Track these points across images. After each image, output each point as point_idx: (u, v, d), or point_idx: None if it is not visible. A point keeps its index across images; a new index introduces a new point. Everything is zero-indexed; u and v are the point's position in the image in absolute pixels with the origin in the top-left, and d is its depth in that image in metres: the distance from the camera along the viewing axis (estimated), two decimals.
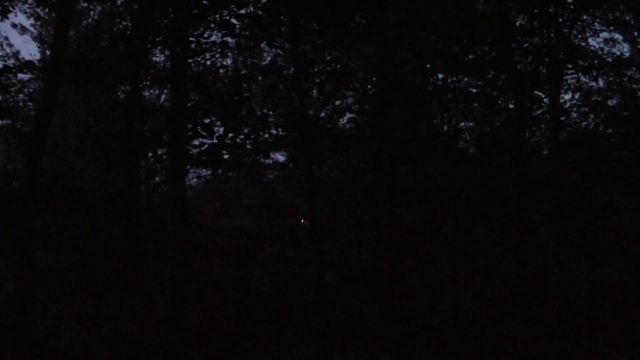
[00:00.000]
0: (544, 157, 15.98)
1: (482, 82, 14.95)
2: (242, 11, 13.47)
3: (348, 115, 16.15)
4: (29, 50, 34.37)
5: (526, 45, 14.43)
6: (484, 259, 14.30)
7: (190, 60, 13.93)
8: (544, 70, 15.14)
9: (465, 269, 14.06)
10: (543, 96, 15.95)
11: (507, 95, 15.41)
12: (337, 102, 16.64)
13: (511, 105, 16.00)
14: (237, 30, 13.51)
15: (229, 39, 14.03)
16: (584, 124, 16.96)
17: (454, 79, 14.97)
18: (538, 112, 16.14)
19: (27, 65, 13.23)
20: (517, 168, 14.16)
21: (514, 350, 12.89)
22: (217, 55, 14.36)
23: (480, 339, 13.03)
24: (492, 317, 13.73)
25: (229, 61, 15.95)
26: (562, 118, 16.40)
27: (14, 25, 20.79)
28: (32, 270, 11.42)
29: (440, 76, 15.20)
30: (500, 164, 14.84)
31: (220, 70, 14.61)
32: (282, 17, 13.22)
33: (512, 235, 14.23)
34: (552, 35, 15.24)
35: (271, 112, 14.49)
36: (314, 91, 14.63)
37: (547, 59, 14.88)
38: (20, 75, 13.97)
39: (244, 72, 16.19)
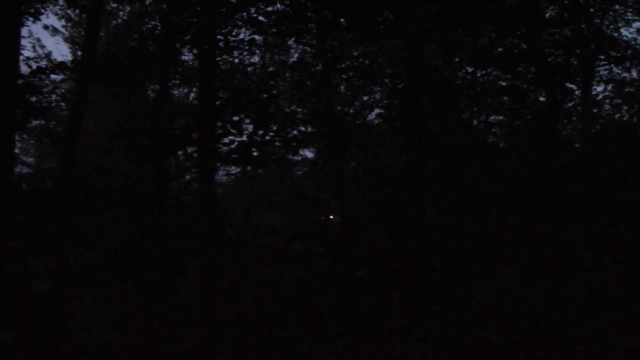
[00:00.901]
0: (576, 150, 15.73)
1: (511, 75, 14.76)
2: (270, 8, 13.51)
3: (376, 111, 16.09)
4: (61, 51, 34.89)
5: (556, 36, 14.20)
6: (515, 254, 14.14)
7: (218, 59, 14.01)
8: (575, 62, 14.90)
9: (496, 264, 13.92)
10: (574, 88, 15.70)
11: (537, 88, 15.18)
12: (365, 98, 16.59)
13: (542, 98, 15.77)
14: (265, 28, 13.54)
15: (257, 37, 14.08)
16: (616, 116, 16.65)
17: (483, 72, 14.80)
18: (569, 104, 15.88)
19: (60, 67, 13.45)
20: (548, 162, 13.96)
21: (546, 346, 12.74)
22: (245, 53, 14.42)
23: (512, 334, 12.91)
24: (524, 312, 13.58)
25: (256, 59, 16.02)
26: (594, 110, 16.12)
27: (46, 27, 21.15)
28: (67, 268, 11.63)
29: (468, 70, 15.03)
30: (531, 158, 14.64)
31: (248, 68, 14.68)
32: (309, 14, 13.21)
33: (543, 230, 14.05)
34: (583, 26, 14.98)
35: (299, 109, 14.50)
36: (342, 87, 14.60)
37: (578, 51, 14.63)
38: (52, 76, 14.21)
39: (271, 69, 16.25)
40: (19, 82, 12.94)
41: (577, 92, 15.87)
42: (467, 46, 14.07)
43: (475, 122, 15.24)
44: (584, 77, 15.24)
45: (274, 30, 13.59)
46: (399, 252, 13.84)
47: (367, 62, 13.91)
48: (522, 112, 15.27)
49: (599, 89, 17.83)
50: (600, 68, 16.46)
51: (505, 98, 15.28)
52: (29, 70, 13.99)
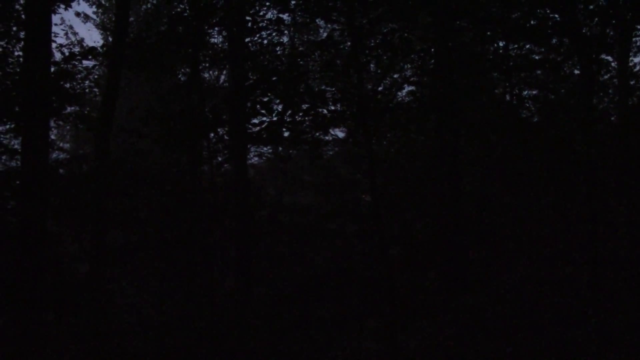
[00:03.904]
0: (613, 123, 15.40)
1: (545, 48, 14.46)
2: None
3: (407, 88, 15.94)
4: (93, 37, 35.31)
5: (591, 7, 13.84)
6: (550, 230, 13.97)
7: (247, 40, 14.03)
8: (610, 33, 14.51)
9: (531, 240, 13.77)
10: (610, 60, 15.34)
11: (571, 60, 14.85)
12: (395, 75, 16.44)
13: (576, 71, 15.44)
14: (292, 7, 13.48)
15: (285, 16, 14.03)
16: None
17: (516, 46, 14.53)
18: (605, 76, 15.54)
19: (91, 52, 13.63)
20: (584, 136, 13.70)
21: (583, 323, 12.60)
22: (274, 33, 14.39)
23: (547, 311, 12.79)
24: (559, 289, 13.44)
25: (285, 39, 15.98)
26: (631, 82, 15.73)
27: (78, 14, 21.44)
28: (104, 250, 11.88)
29: (501, 44, 14.78)
30: (566, 132, 14.38)
31: (277, 48, 14.65)
32: None
33: (580, 205, 13.83)
34: None
35: (329, 88, 14.43)
36: (371, 65, 14.47)
37: (613, 21, 14.24)
38: (85, 63, 14.41)
39: (300, 48, 16.19)
40: (53, 69, 13.18)
41: (613, 64, 15.50)
42: (499, 19, 13.80)
43: (508, 97, 15.01)
44: (621, 48, 14.85)
45: (302, 9, 13.53)
46: (432, 229, 13.78)
47: (396, 38, 13.74)
48: (556, 86, 14.99)
49: (636, 60, 17.36)
50: (637, 38, 16.03)
51: (539, 72, 15.00)
52: (63, 57, 14.23)
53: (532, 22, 13.97)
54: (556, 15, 13.83)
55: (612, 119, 15.63)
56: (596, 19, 13.90)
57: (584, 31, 14.05)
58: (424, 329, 13.14)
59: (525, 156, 14.05)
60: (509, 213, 14.05)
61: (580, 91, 14.31)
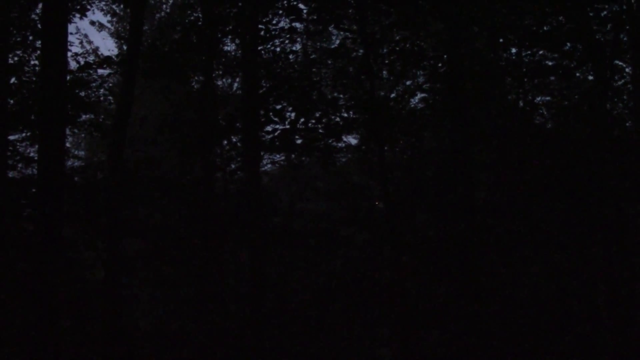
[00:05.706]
0: (628, 129, 15.30)
1: (558, 54, 14.41)
2: None
3: (419, 95, 15.94)
4: (107, 46, 35.64)
5: (604, 12, 13.80)
6: (565, 236, 13.88)
7: (260, 48, 14.12)
8: (624, 38, 14.45)
9: (546, 247, 13.69)
10: (624, 65, 15.23)
11: (585, 66, 14.79)
12: (408, 83, 16.46)
13: (590, 77, 15.37)
14: (305, 15, 13.57)
15: (297, 25, 14.12)
16: None
17: (528, 52, 14.50)
18: (619, 82, 15.43)
19: (105, 61, 13.77)
20: (599, 142, 13.62)
21: (600, 333, 12.51)
22: (286, 42, 14.48)
23: (563, 320, 12.71)
24: (576, 297, 13.34)
25: (298, 46, 16.06)
26: None
27: (92, 23, 21.64)
28: (119, 258, 11.98)
29: (513, 50, 14.75)
30: (580, 139, 14.30)
31: (290, 56, 14.74)
32: None
33: (595, 211, 13.73)
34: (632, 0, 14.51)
35: (341, 95, 14.48)
36: (384, 72, 14.50)
37: (627, 26, 14.19)
38: (100, 71, 14.57)
39: (313, 56, 16.27)
40: (68, 78, 13.33)
41: (627, 70, 15.40)
42: (511, 26, 13.79)
43: (521, 103, 14.96)
44: (635, 53, 14.76)
45: (314, 17, 13.61)
46: (445, 237, 13.74)
47: (408, 45, 13.77)
48: (569, 92, 14.93)
49: None
50: None
51: (552, 78, 14.95)
52: (78, 66, 14.40)
53: (545, 28, 13.94)
54: (569, 22, 13.79)
55: (627, 124, 15.52)
56: (609, 24, 13.85)
57: (597, 37, 14.00)
58: (437, 336, 13.10)
59: (539, 163, 13.99)
60: (523, 220, 13.98)
61: (594, 97, 14.24)
